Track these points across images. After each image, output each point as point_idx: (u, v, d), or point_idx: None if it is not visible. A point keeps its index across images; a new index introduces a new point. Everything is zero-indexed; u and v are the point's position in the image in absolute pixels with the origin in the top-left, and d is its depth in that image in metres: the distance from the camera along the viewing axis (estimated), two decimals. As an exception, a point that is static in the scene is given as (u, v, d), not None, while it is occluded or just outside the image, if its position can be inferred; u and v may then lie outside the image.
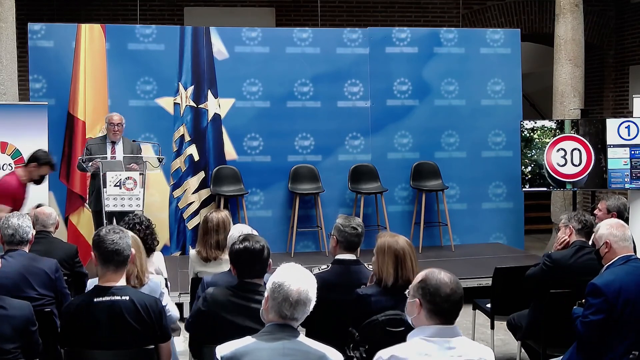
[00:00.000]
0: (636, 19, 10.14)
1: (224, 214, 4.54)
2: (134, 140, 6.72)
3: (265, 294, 2.51)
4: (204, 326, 3.21)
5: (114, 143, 6.49)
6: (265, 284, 2.98)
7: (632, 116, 7.73)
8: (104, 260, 3.10)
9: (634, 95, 7.75)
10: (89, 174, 6.54)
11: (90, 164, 6.14)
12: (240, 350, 2.42)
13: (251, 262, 3.20)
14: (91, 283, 3.58)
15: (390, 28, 8.41)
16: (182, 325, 3.96)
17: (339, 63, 7.98)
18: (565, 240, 4.44)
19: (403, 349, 2.37)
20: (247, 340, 2.45)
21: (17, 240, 3.90)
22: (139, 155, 6.43)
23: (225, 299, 3.15)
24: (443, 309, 2.37)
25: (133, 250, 3.24)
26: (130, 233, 3.45)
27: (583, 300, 3.70)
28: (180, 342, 4.29)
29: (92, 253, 3.16)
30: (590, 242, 4.08)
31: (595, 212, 5.36)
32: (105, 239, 3.09)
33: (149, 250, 4.22)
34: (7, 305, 3.08)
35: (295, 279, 2.47)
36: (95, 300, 3.04)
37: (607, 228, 3.70)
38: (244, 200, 7.52)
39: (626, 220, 5.25)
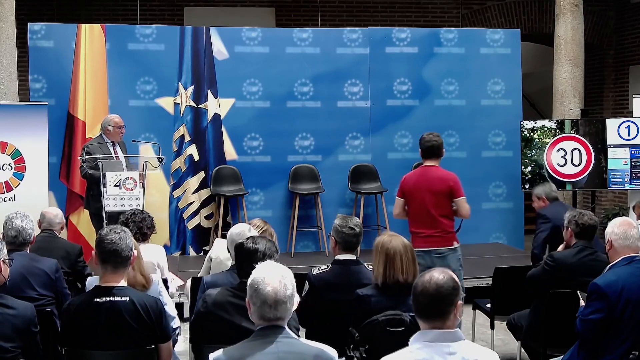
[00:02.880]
0: (636, 19, 10.14)
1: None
2: (133, 140, 6.71)
3: (247, 299, 2.47)
4: (203, 328, 3.21)
5: (114, 144, 6.46)
6: None
7: (632, 116, 7.73)
8: (102, 259, 3.12)
9: (634, 95, 7.76)
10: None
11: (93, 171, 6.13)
12: (234, 356, 2.38)
13: (246, 262, 3.18)
14: (91, 282, 3.59)
15: (390, 28, 8.41)
16: (182, 326, 3.96)
17: (339, 63, 7.97)
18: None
19: (403, 355, 2.35)
20: (239, 346, 2.42)
21: (19, 241, 3.91)
22: (138, 155, 6.40)
23: (223, 300, 3.15)
24: (420, 303, 2.36)
25: (135, 252, 3.24)
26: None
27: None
28: (180, 342, 4.29)
29: (93, 252, 3.18)
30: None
31: (534, 205, 5.87)
32: (105, 238, 3.11)
33: (144, 236, 4.43)
34: (10, 304, 3.09)
35: (269, 280, 2.40)
36: (95, 300, 3.05)
37: (610, 226, 3.66)
38: (244, 200, 7.52)
39: (553, 199, 5.73)
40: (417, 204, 5.01)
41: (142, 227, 4.42)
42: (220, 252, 4.51)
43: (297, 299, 2.47)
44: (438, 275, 2.39)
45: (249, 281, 2.45)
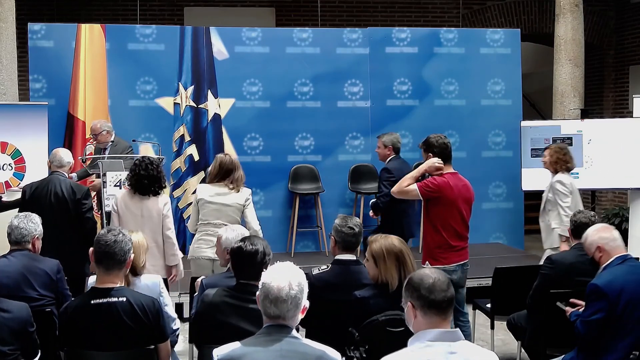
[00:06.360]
0: (636, 19, 10.14)
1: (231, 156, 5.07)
2: (134, 140, 6.71)
3: (257, 294, 2.51)
4: (201, 328, 3.22)
5: (104, 149, 6.45)
6: None
7: (632, 116, 7.73)
8: (96, 259, 3.13)
9: (634, 95, 7.74)
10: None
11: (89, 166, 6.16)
12: (237, 352, 2.40)
13: (247, 264, 3.20)
14: (92, 282, 3.59)
15: (390, 28, 8.41)
16: (182, 326, 3.96)
17: (339, 63, 7.98)
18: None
19: (404, 355, 2.34)
20: (244, 343, 2.44)
21: (12, 240, 3.92)
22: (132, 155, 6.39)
23: (219, 300, 3.16)
24: (431, 300, 2.34)
25: (132, 255, 3.23)
26: (138, 236, 3.48)
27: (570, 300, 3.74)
28: (180, 342, 4.29)
29: (91, 249, 3.20)
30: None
31: (377, 150, 6.25)
32: (100, 239, 3.12)
33: (159, 189, 4.79)
34: (5, 307, 3.09)
35: (277, 277, 2.45)
36: (92, 302, 3.04)
37: (595, 234, 3.73)
38: (244, 200, 7.51)
39: (397, 152, 6.14)
40: (456, 214, 4.50)
41: (160, 178, 4.77)
42: (204, 194, 4.88)
43: (304, 303, 2.48)
44: (432, 270, 2.45)
45: (261, 279, 2.48)
